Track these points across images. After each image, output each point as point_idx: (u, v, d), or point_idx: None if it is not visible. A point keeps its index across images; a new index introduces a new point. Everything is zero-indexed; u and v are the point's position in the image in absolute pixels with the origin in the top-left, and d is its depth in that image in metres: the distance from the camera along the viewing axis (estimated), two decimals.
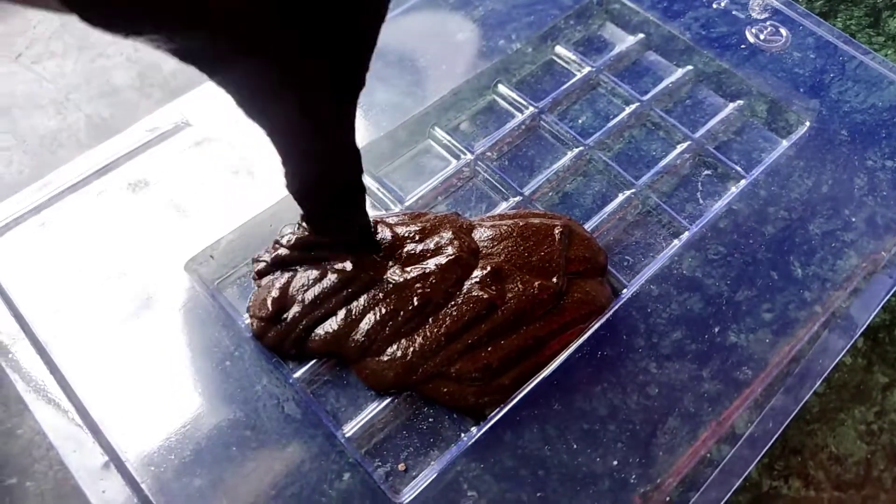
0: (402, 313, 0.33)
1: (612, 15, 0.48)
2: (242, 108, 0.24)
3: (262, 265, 0.35)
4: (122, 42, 0.48)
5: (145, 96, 0.45)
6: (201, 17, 0.19)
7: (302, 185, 0.28)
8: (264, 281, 0.35)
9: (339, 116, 0.25)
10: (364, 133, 0.41)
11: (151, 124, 0.40)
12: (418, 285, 0.33)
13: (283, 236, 0.36)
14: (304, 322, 0.33)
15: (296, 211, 0.33)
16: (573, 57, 0.46)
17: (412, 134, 0.42)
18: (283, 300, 0.33)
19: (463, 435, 0.32)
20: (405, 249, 0.35)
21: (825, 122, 0.42)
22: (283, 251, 0.35)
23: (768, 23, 0.46)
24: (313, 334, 0.33)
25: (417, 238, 0.35)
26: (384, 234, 0.35)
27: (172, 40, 0.19)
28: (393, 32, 0.46)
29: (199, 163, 0.39)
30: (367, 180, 0.39)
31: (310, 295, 0.33)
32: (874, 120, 0.42)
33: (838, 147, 0.41)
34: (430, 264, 0.34)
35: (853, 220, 0.38)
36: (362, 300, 0.33)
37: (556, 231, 0.35)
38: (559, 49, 0.47)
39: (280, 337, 0.33)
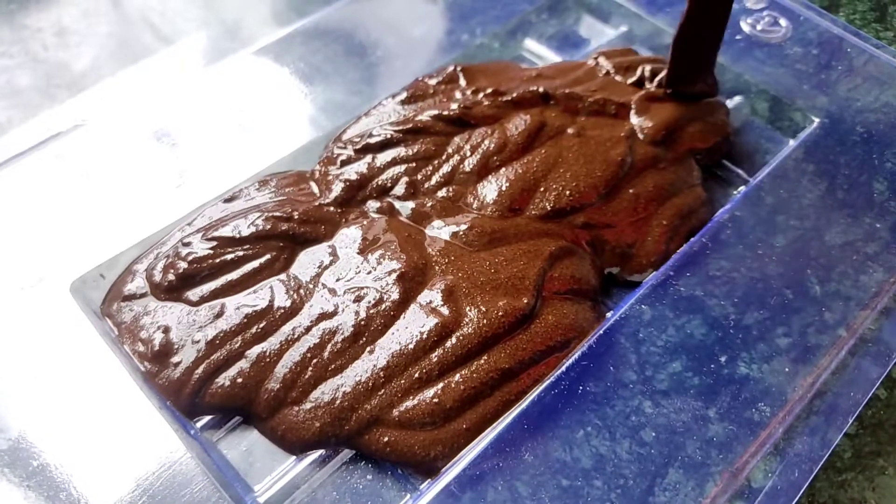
0: (329, 347, 0.26)
1: (588, 7, 0.44)
2: None
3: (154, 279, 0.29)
4: (29, 40, 0.42)
5: (50, 98, 0.39)
6: None
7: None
8: (138, 305, 0.28)
9: None
10: (300, 133, 0.36)
11: (44, 124, 0.34)
12: (350, 310, 0.27)
13: (186, 243, 0.29)
14: (200, 370, 0.26)
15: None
16: (546, 52, 0.41)
17: None
18: (169, 337, 0.27)
19: (409, 496, 0.26)
20: (340, 265, 0.29)
21: (835, 120, 0.37)
22: (192, 252, 0.28)
23: (765, 13, 0.41)
24: (213, 384, 0.27)
25: (355, 251, 0.29)
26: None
27: None
28: (341, 22, 0.41)
29: (96, 167, 0.34)
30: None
31: (208, 333, 0.27)
32: (890, 118, 0.38)
33: (852, 148, 0.36)
34: (367, 283, 0.28)
35: (876, 228, 0.33)
36: (278, 336, 0.27)
37: (548, 250, 0.30)
38: (529, 44, 0.42)
39: (171, 388, 0.26)
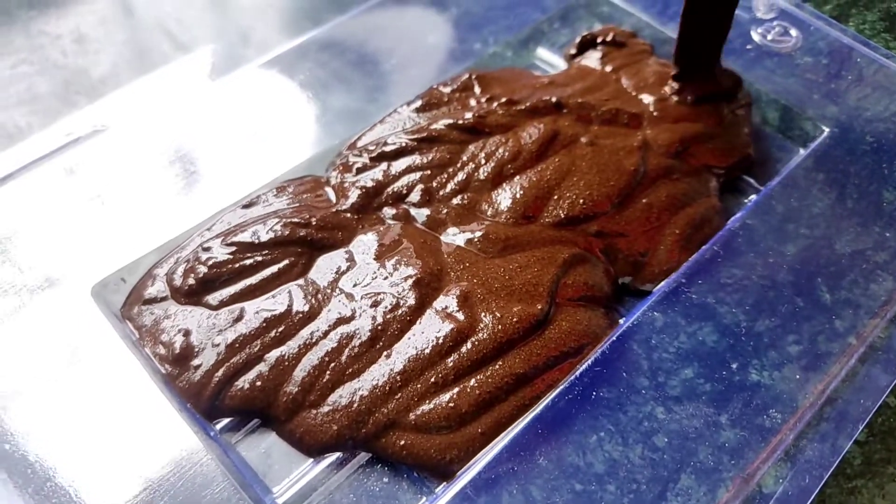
0: (347, 351, 0.27)
1: (600, 17, 0.44)
2: None
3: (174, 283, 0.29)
4: (48, 47, 0.43)
5: (69, 104, 0.39)
6: None
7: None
8: (159, 309, 0.29)
9: None
10: (316, 141, 0.36)
11: (64, 130, 0.34)
12: (367, 315, 0.27)
13: (206, 248, 0.30)
14: (220, 373, 0.27)
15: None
16: (558, 61, 0.41)
17: None
18: (189, 340, 0.27)
19: (425, 499, 0.26)
20: (357, 270, 0.29)
21: (845, 129, 0.37)
22: (212, 257, 0.29)
23: (776, 23, 0.42)
24: (232, 387, 0.27)
25: (372, 256, 0.30)
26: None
27: None
28: (355, 30, 0.42)
29: (116, 172, 0.34)
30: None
31: (228, 336, 0.27)
32: None
33: (862, 157, 0.36)
34: (384, 288, 0.28)
35: (885, 237, 0.33)
36: (296, 340, 0.28)
37: (562, 257, 0.30)
38: (542, 52, 0.42)
39: (192, 391, 0.27)
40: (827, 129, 0.37)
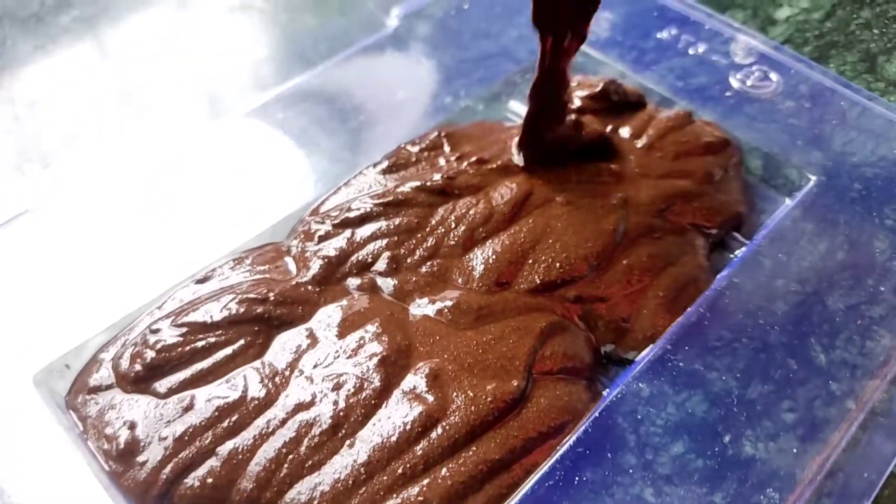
0: (306, 441, 0.25)
1: (574, 67, 0.42)
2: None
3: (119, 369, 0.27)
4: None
5: (20, 173, 0.38)
6: None
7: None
8: (104, 398, 0.27)
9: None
10: (280, 205, 0.34)
11: (13, 201, 0.33)
12: (329, 400, 0.25)
13: (154, 330, 0.28)
14: (167, 469, 0.25)
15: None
16: None
17: None
18: (135, 433, 0.25)
19: None
20: (318, 349, 0.27)
21: (832, 177, 0.36)
22: (160, 339, 0.27)
23: (755, 67, 0.40)
24: (181, 485, 0.25)
25: (335, 333, 0.28)
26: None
27: None
28: (322, 87, 0.40)
29: (62, 247, 0.32)
30: None
31: (176, 428, 0.25)
32: (887, 173, 0.36)
33: (851, 205, 0.35)
34: (347, 369, 0.26)
35: (880, 291, 0.32)
36: (251, 431, 0.25)
37: (538, 327, 0.28)
38: (514, 105, 0.40)
39: (137, 490, 0.25)
40: (813, 178, 0.36)
